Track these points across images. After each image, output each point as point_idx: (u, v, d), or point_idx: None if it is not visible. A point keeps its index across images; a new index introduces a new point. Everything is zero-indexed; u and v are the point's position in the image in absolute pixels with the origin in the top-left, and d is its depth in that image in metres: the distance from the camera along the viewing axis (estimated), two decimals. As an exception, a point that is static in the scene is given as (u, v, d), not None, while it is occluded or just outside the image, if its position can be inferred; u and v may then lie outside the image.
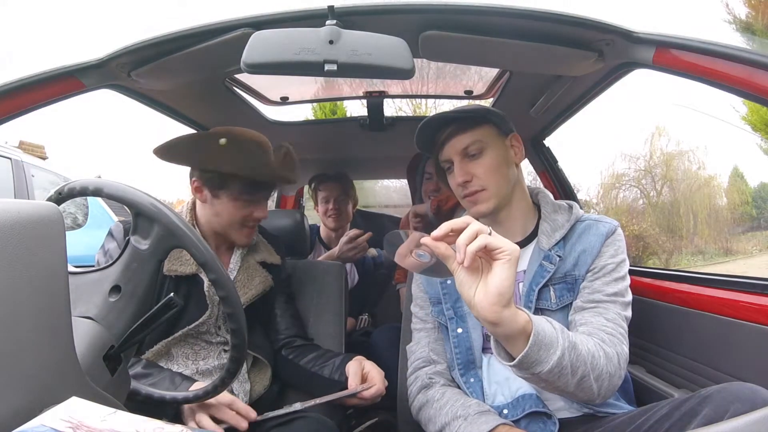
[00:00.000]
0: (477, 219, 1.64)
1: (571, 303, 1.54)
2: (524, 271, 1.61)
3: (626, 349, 1.39)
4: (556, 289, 1.55)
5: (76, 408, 0.72)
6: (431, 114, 1.72)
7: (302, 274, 2.26)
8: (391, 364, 2.03)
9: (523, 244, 1.65)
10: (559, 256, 1.57)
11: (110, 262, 1.13)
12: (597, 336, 1.37)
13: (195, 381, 1.64)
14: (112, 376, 1.00)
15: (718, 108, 16.20)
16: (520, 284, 1.60)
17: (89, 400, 0.75)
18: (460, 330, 1.62)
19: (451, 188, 1.68)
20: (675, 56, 1.36)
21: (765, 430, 0.62)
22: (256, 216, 1.87)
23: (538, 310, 1.53)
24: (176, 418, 1.55)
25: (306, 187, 3.84)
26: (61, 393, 0.76)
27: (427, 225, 2.78)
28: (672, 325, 1.63)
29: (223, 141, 1.77)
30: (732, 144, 21.21)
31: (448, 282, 1.68)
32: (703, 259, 15.25)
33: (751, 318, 1.50)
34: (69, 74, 1.55)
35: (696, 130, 18.84)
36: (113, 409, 0.73)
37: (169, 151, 1.80)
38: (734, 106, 14.63)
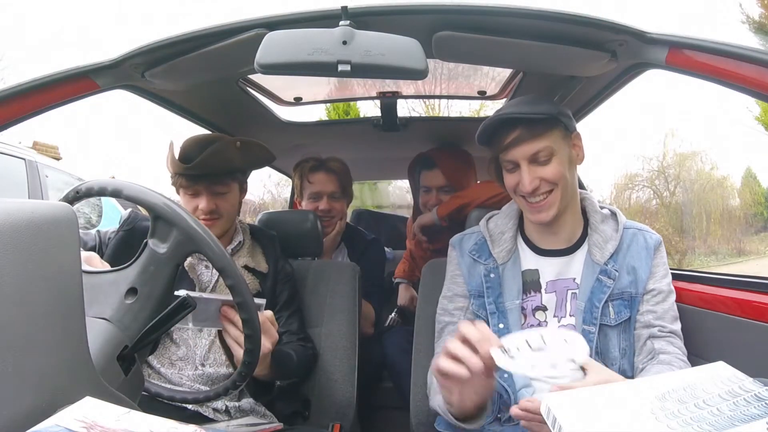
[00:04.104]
0: (537, 224, 1.62)
1: (627, 319, 1.54)
2: (576, 282, 1.59)
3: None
4: (614, 305, 1.54)
5: (89, 408, 0.72)
6: (445, 115, 1.69)
7: (315, 275, 2.24)
8: (404, 367, 2.02)
9: (569, 251, 1.63)
10: (616, 271, 1.55)
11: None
12: (676, 366, 1.47)
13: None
14: (126, 376, 1.00)
15: (731, 108, 16.13)
16: (569, 292, 1.59)
17: (103, 400, 0.75)
18: (501, 325, 1.58)
19: (506, 187, 1.62)
20: (688, 57, 1.35)
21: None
22: (201, 207, 1.89)
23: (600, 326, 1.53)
24: (190, 418, 1.55)
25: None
26: (75, 393, 0.76)
27: (436, 233, 2.78)
28: (685, 326, 1.62)
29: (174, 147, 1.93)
30: (745, 144, 21.11)
31: (491, 276, 1.64)
32: (716, 260, 15.19)
33: (765, 318, 1.49)
34: (83, 75, 1.55)
35: (709, 131, 18.74)
36: (127, 409, 0.73)
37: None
38: (747, 106, 14.65)
